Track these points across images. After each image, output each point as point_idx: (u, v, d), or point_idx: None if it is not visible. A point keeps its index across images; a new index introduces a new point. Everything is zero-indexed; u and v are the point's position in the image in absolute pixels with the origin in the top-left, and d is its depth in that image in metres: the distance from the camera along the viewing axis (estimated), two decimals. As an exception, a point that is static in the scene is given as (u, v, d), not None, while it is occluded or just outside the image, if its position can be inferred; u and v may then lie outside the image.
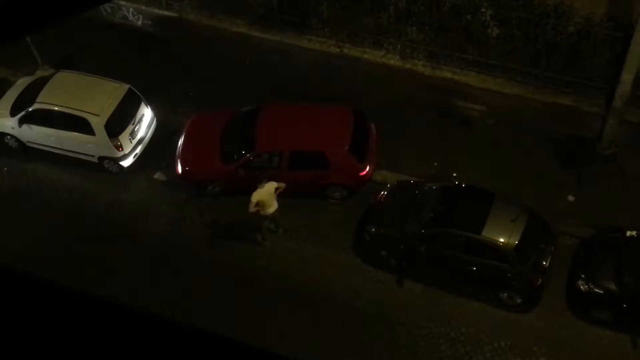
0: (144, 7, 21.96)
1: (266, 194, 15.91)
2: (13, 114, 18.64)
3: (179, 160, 17.80)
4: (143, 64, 20.41)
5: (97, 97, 18.06)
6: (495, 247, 14.97)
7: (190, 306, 15.69)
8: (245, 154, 17.11)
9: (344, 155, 16.86)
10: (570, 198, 17.04)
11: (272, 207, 16.22)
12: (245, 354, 2.18)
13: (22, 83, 19.57)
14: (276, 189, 16.06)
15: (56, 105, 18.10)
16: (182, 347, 2.20)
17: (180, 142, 18.05)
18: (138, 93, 18.62)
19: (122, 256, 17.19)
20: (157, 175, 18.70)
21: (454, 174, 17.39)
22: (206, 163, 17.63)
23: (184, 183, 18.07)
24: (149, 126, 18.91)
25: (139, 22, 21.95)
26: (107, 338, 2.22)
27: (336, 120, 17.46)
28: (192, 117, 18.64)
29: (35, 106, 18.21)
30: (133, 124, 18.30)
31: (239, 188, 16.88)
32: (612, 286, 14.81)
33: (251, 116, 17.67)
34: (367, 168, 17.18)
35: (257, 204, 15.94)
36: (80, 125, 17.91)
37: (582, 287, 15.17)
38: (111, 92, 18.21)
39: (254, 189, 15.89)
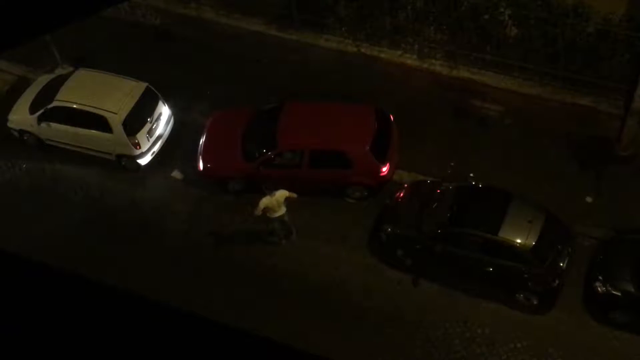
0: (162, 6, 22.06)
1: (274, 201, 15.99)
2: (32, 111, 18.79)
3: (200, 158, 17.89)
4: (161, 63, 20.49)
5: (115, 96, 18.16)
6: (512, 248, 14.91)
7: (206, 302, 15.72)
8: (267, 152, 17.16)
9: (365, 154, 16.85)
10: (589, 199, 16.94)
11: (279, 212, 16.24)
12: (262, 348, 2.20)
13: (41, 81, 19.73)
14: (287, 197, 16.10)
15: (75, 103, 18.22)
16: (198, 339, 2.22)
17: (202, 139, 18.13)
18: (156, 91, 18.70)
19: (140, 253, 17.28)
20: (174, 174, 18.77)
21: (471, 174, 17.33)
22: (228, 160, 17.69)
23: (201, 181, 18.14)
24: (166, 124, 18.99)
25: (157, 21, 22.05)
26: (125, 329, 2.24)
27: (358, 119, 17.44)
28: (213, 115, 18.72)
29: (54, 104, 18.35)
30: (151, 122, 18.39)
31: (260, 186, 16.90)
32: (630, 288, 14.71)
33: (273, 114, 17.72)
34: (388, 168, 17.15)
35: (264, 208, 16.02)
36: (98, 123, 18.02)
37: (599, 288, 15.08)
38: (129, 91, 18.30)
39: (269, 190, 15.99)
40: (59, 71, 20.32)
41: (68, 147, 18.97)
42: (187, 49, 21.06)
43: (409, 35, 19.82)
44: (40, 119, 18.61)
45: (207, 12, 21.97)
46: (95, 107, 18.01)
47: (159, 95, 18.78)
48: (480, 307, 15.82)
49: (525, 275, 14.99)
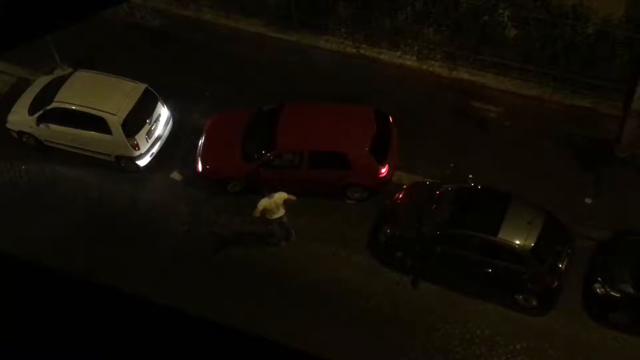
0: (161, 7, 22.05)
1: (273, 203, 16.01)
2: (31, 112, 18.78)
3: (199, 159, 17.89)
4: (160, 64, 20.49)
5: (114, 97, 18.15)
6: (511, 249, 14.91)
7: (206, 303, 15.71)
8: (266, 153, 17.16)
9: (364, 156, 16.85)
10: (588, 200, 16.94)
11: (278, 213, 16.25)
12: (262, 348, 2.20)
13: (40, 82, 19.71)
14: (286, 200, 16.11)
15: (74, 104, 18.21)
16: (197, 339, 2.22)
17: (201, 140, 18.14)
18: (155, 93, 18.70)
19: (139, 253, 17.27)
20: (174, 175, 18.77)
21: (470, 176, 17.33)
22: (227, 161, 17.70)
23: (201, 182, 18.14)
24: (165, 125, 18.99)
25: (157, 22, 22.05)
26: (125, 329, 2.24)
27: (357, 120, 17.45)
28: (213, 116, 18.74)
29: (53, 105, 18.34)
30: (150, 124, 18.38)
31: (259, 187, 16.90)
32: (629, 289, 14.71)
33: (272, 115, 17.72)
34: (387, 169, 17.15)
35: (263, 210, 16.04)
36: (97, 124, 18.01)
37: (598, 290, 15.07)
38: (128, 92, 18.30)
39: (268, 193, 16.02)
40: (58, 72, 20.33)
41: (67, 148, 18.96)
42: (186, 50, 21.06)
43: (409, 36, 19.83)
44: (39, 120, 18.60)
45: (206, 13, 21.97)
46: (94, 109, 18.00)
47: (158, 96, 18.77)
48: (479, 308, 15.82)
49: (525, 277, 14.99)
